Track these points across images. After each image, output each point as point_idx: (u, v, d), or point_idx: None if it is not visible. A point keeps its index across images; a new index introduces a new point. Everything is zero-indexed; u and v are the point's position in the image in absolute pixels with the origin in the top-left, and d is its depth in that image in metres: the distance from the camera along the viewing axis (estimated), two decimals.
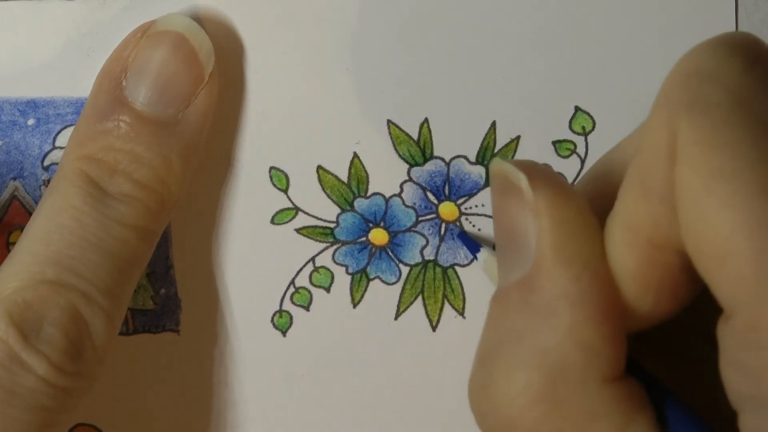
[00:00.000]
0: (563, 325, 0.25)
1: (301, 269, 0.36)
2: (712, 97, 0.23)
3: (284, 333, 0.37)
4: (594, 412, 0.24)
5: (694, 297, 0.25)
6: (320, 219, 0.36)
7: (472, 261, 0.36)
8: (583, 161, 0.36)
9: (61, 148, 0.35)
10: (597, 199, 0.27)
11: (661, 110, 0.24)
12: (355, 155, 0.36)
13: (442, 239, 0.36)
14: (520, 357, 0.25)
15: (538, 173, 0.26)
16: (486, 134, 0.36)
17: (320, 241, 0.36)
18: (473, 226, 0.36)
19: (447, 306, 0.37)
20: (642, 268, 0.25)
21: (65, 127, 0.35)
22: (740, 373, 0.23)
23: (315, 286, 0.37)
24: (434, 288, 0.37)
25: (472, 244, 0.35)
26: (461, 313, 0.37)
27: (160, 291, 0.36)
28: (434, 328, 0.37)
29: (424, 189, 0.36)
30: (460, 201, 0.36)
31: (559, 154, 0.36)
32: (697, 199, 0.23)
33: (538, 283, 0.25)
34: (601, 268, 0.25)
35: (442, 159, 0.36)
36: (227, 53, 0.35)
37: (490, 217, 0.36)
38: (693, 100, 0.23)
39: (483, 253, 0.35)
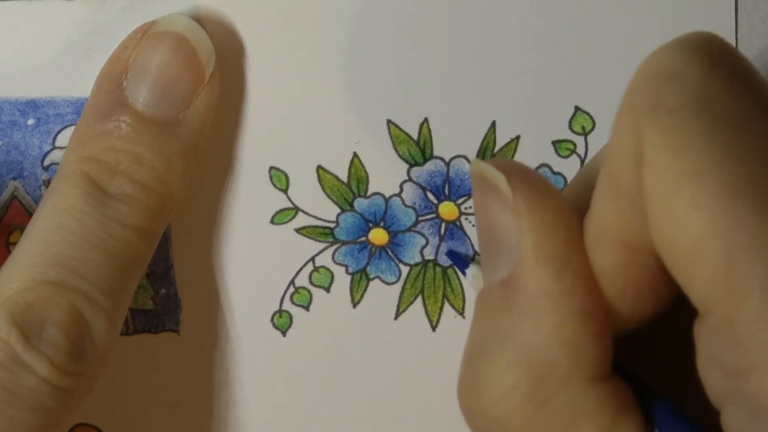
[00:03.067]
0: (547, 324, 0.25)
1: (301, 269, 0.36)
2: (674, 99, 0.23)
3: (284, 333, 0.37)
4: (580, 411, 0.25)
5: (674, 298, 0.25)
6: (320, 219, 0.36)
7: (471, 261, 0.37)
8: (583, 161, 0.36)
9: (61, 148, 0.35)
10: (584, 200, 0.27)
11: (626, 114, 0.24)
12: (355, 155, 0.36)
13: (442, 239, 0.36)
14: (505, 357, 0.25)
15: (517, 172, 0.26)
16: (486, 134, 0.36)
17: (320, 241, 0.36)
18: (473, 225, 0.36)
19: (447, 306, 0.37)
20: (617, 269, 0.25)
21: (65, 127, 0.35)
22: (717, 371, 0.23)
23: (315, 286, 0.37)
24: (434, 288, 0.37)
25: (461, 261, 0.36)
26: (461, 313, 0.37)
27: (160, 291, 0.36)
28: (434, 328, 0.37)
29: (424, 189, 0.36)
30: (460, 201, 0.36)
31: (559, 154, 0.36)
32: (665, 202, 0.23)
33: (520, 282, 0.25)
34: (583, 267, 0.25)
35: (442, 159, 0.36)
36: (227, 53, 0.35)
37: None
38: (656, 103, 0.23)
39: (472, 269, 0.35)
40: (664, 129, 0.23)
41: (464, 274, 0.36)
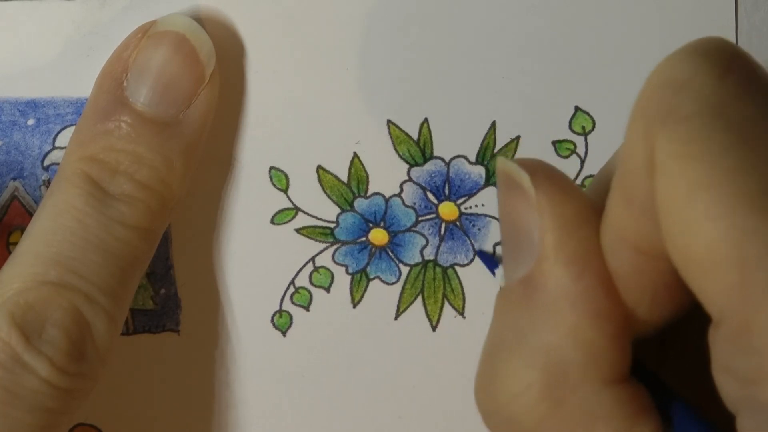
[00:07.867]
0: (564, 324, 0.25)
1: (301, 269, 0.36)
2: (686, 107, 0.23)
3: (284, 333, 0.37)
4: (594, 413, 0.24)
5: (693, 300, 0.25)
6: (320, 219, 0.36)
7: (471, 261, 0.37)
8: (583, 161, 0.36)
9: (61, 148, 0.35)
10: (602, 202, 0.27)
11: (637, 122, 0.24)
12: (355, 155, 0.36)
13: (442, 239, 0.36)
14: (522, 356, 0.25)
15: (541, 171, 0.26)
16: (486, 134, 0.36)
17: (320, 241, 0.36)
18: (473, 225, 0.36)
19: (447, 306, 0.37)
20: (633, 273, 0.25)
21: (65, 127, 0.35)
22: (732, 378, 0.23)
23: (315, 286, 0.37)
24: (434, 288, 0.37)
25: (491, 261, 0.35)
26: (461, 313, 0.37)
27: (160, 291, 0.36)
28: (434, 328, 0.37)
29: (424, 189, 0.36)
30: (460, 201, 0.36)
31: (559, 154, 0.36)
32: (677, 211, 0.23)
33: (540, 281, 0.25)
34: (602, 269, 0.25)
35: (442, 159, 0.36)
36: (228, 53, 0.35)
37: (490, 216, 0.36)
38: (668, 111, 0.23)
39: (501, 270, 0.35)
40: (676, 137, 0.23)
41: (494, 274, 0.35)
